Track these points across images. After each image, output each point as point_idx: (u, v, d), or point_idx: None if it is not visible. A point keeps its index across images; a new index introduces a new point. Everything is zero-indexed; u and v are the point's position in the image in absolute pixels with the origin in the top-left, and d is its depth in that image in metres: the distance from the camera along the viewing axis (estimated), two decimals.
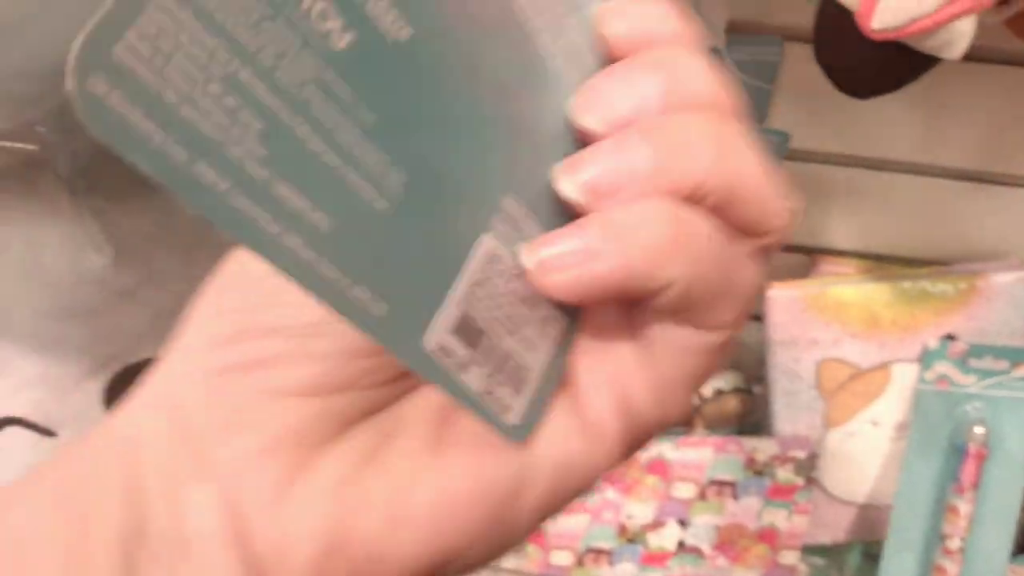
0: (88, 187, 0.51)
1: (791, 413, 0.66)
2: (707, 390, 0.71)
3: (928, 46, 0.38)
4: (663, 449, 0.65)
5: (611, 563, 0.68)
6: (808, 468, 0.65)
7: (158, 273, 0.54)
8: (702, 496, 0.65)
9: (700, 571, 0.68)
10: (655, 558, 0.68)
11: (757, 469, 0.65)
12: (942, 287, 0.62)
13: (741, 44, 0.54)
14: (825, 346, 0.63)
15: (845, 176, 0.62)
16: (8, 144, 0.45)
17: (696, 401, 0.72)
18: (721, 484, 0.65)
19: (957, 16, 0.35)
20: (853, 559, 0.76)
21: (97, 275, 0.53)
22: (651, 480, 0.65)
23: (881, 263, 0.68)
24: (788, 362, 0.64)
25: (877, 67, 0.41)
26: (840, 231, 0.67)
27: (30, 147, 0.46)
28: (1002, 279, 0.61)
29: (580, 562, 0.68)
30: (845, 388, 0.65)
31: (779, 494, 0.65)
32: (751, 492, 0.65)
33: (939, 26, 0.36)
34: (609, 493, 0.66)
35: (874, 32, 0.36)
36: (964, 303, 0.62)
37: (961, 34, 0.37)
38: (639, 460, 0.64)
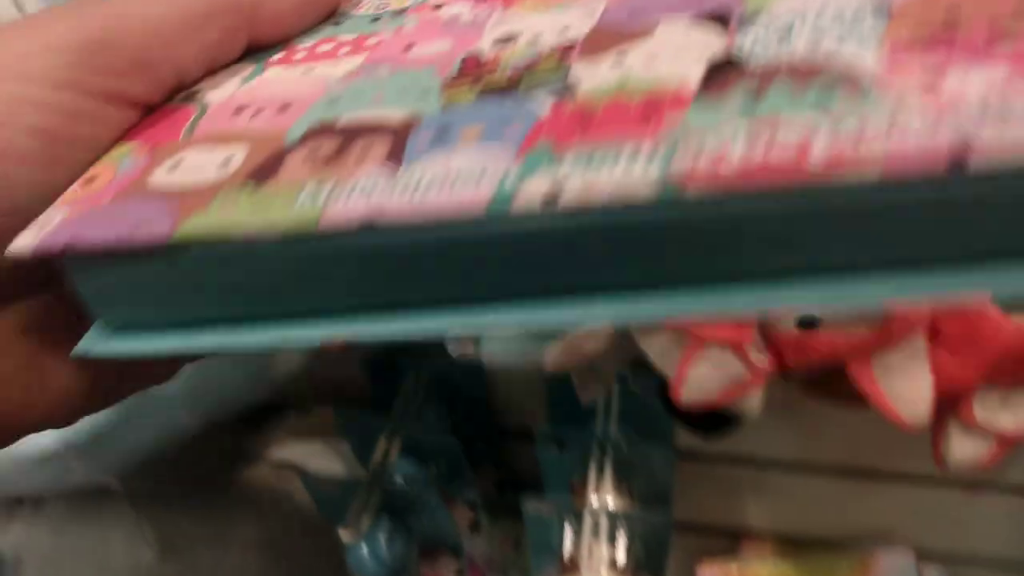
0: (146, 497, 0.69)
1: None
2: None
3: (730, 409, 0.53)
4: None
5: None
6: None
7: (197, 565, 0.70)
8: None
9: None
10: None
11: None
12: (845, 563, 0.74)
13: None
14: None
15: (751, 475, 0.76)
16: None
17: None
18: None
19: (743, 395, 0.51)
20: None
21: (148, 566, 0.69)
22: None
23: (794, 543, 0.79)
24: None
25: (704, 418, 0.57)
26: (756, 517, 0.79)
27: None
28: (890, 560, 0.73)
29: None
30: None
31: None
32: None
33: (729, 401, 0.51)
34: None
35: (683, 402, 0.52)
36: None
37: (751, 405, 0.52)
38: None
